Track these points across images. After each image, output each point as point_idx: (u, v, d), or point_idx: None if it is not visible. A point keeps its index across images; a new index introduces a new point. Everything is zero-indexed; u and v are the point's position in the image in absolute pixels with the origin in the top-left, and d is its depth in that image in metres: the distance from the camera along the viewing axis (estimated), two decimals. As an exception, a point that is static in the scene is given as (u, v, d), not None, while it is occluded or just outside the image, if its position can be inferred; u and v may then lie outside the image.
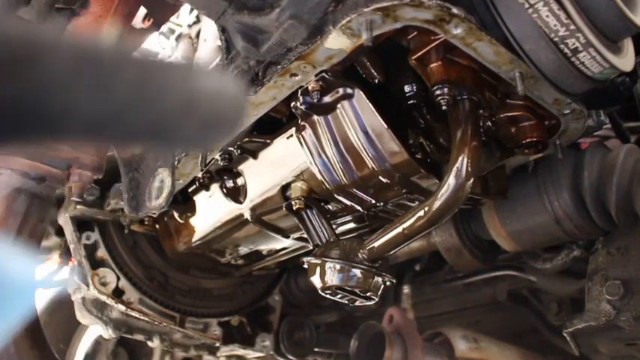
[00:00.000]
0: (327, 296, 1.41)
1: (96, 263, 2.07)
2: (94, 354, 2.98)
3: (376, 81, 1.30)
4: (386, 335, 2.04)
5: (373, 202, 1.46)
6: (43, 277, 2.67)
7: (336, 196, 1.46)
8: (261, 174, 1.60)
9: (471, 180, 1.19)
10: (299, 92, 1.25)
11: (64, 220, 2.08)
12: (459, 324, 2.22)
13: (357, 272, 1.32)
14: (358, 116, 1.29)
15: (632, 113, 1.77)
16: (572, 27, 1.06)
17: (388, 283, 1.37)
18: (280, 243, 1.88)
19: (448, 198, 1.20)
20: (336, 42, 1.08)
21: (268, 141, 1.51)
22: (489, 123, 1.34)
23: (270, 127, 1.48)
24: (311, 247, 1.52)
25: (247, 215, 1.70)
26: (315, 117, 1.35)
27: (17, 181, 1.40)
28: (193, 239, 2.00)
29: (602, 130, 1.60)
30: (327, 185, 1.42)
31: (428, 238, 1.98)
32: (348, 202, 1.48)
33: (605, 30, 1.10)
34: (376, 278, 1.34)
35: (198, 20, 3.22)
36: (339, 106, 1.31)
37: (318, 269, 1.37)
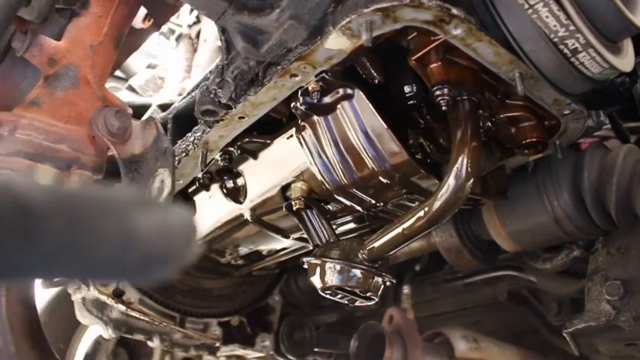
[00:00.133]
0: (327, 296, 1.41)
1: None
2: (94, 354, 2.98)
3: (376, 81, 1.30)
4: (386, 335, 2.04)
5: (373, 202, 1.46)
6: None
7: (336, 196, 1.46)
8: (261, 174, 1.60)
9: (471, 180, 1.19)
10: (299, 93, 1.25)
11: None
12: (459, 324, 2.22)
13: (357, 272, 1.32)
14: (358, 117, 1.29)
15: (632, 113, 1.77)
16: (571, 27, 1.06)
17: (388, 283, 1.37)
18: (280, 243, 1.88)
19: (448, 198, 1.20)
20: (336, 42, 1.08)
21: (268, 141, 1.51)
22: (489, 123, 1.34)
23: (270, 127, 1.48)
24: (311, 248, 1.52)
25: (247, 215, 1.70)
26: (315, 117, 1.35)
27: (17, 181, 1.39)
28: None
29: (602, 130, 1.60)
30: (327, 185, 1.42)
31: (428, 238, 1.98)
32: (348, 203, 1.48)
33: (605, 30, 1.10)
34: (376, 278, 1.34)
35: (198, 21, 3.22)
36: (339, 106, 1.31)
37: (318, 269, 1.37)
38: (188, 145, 1.47)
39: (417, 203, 1.36)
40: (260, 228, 1.74)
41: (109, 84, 2.78)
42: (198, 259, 2.17)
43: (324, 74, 1.20)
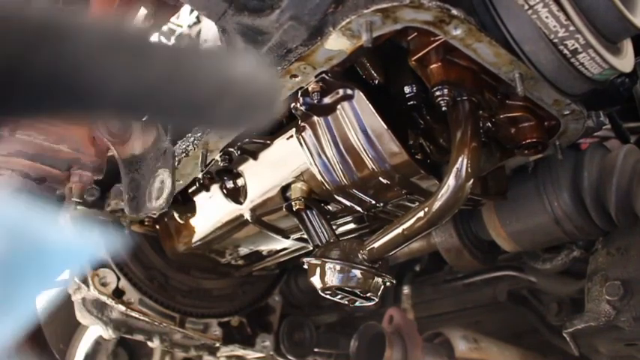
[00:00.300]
0: (327, 297, 1.41)
1: (96, 264, 2.06)
2: (94, 354, 2.98)
3: (376, 82, 1.30)
4: (386, 335, 2.04)
5: (373, 202, 1.46)
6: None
7: (336, 196, 1.46)
8: (261, 175, 1.60)
9: (471, 181, 1.19)
10: (299, 93, 1.25)
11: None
12: (459, 324, 2.22)
13: (357, 273, 1.32)
14: (358, 117, 1.29)
15: (632, 114, 1.77)
16: (571, 28, 1.06)
17: (388, 283, 1.37)
18: (280, 243, 1.88)
19: (448, 199, 1.20)
20: (336, 43, 1.08)
21: (268, 142, 1.51)
22: (489, 124, 1.34)
23: (270, 127, 1.49)
24: (311, 248, 1.52)
25: (247, 216, 1.70)
26: (315, 118, 1.35)
27: (18, 182, 1.40)
28: (193, 240, 2.00)
29: (602, 130, 1.60)
30: (327, 186, 1.42)
31: (428, 238, 1.98)
32: (348, 203, 1.48)
33: (605, 31, 1.10)
34: (376, 279, 1.34)
35: (198, 21, 3.22)
36: (339, 107, 1.31)
37: (318, 270, 1.37)
38: (188, 146, 1.47)
39: (417, 204, 1.36)
40: (260, 228, 1.74)
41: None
42: (199, 259, 2.17)
43: (324, 75, 1.20)
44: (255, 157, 1.56)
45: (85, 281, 2.02)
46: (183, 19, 3.29)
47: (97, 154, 1.44)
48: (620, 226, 1.57)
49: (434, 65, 1.19)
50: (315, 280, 1.38)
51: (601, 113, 1.41)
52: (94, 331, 2.89)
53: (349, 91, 1.28)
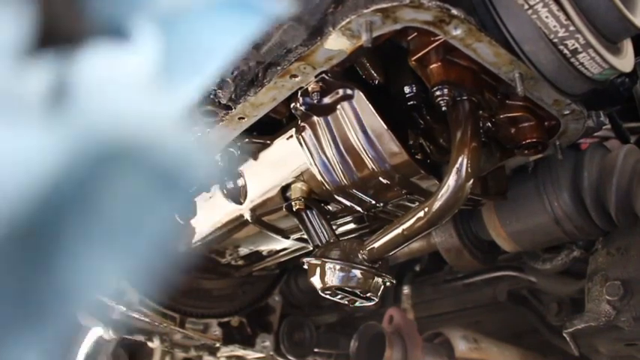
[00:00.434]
0: (327, 297, 1.41)
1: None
2: (95, 355, 2.98)
3: (376, 82, 1.30)
4: (386, 336, 2.04)
5: (373, 202, 1.46)
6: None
7: (336, 196, 1.46)
8: (261, 175, 1.60)
9: (471, 181, 1.19)
10: (299, 93, 1.25)
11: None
12: (459, 324, 2.22)
13: (357, 273, 1.32)
14: (358, 117, 1.29)
15: (632, 114, 1.77)
16: (571, 28, 1.06)
17: (388, 283, 1.37)
18: (280, 244, 1.88)
19: (448, 199, 1.20)
20: (336, 43, 1.08)
21: (268, 142, 1.51)
22: (489, 124, 1.34)
23: (270, 127, 1.49)
24: (311, 248, 1.52)
25: (247, 216, 1.70)
26: (315, 118, 1.35)
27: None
28: (193, 240, 2.00)
29: (602, 130, 1.60)
30: (327, 186, 1.42)
31: (428, 238, 1.98)
32: (348, 203, 1.48)
33: (605, 31, 1.10)
34: (376, 279, 1.34)
35: (198, 21, 3.22)
36: (339, 107, 1.31)
37: (318, 270, 1.37)
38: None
39: (416, 204, 1.36)
40: (260, 228, 1.74)
41: (109, 84, 2.78)
42: (199, 259, 2.17)
43: (324, 75, 1.20)
44: (255, 157, 1.56)
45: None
46: (183, 19, 3.30)
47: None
48: (620, 226, 1.57)
49: (434, 65, 1.19)
50: (315, 280, 1.38)
51: (601, 113, 1.41)
52: (94, 332, 2.89)
53: (349, 91, 1.28)
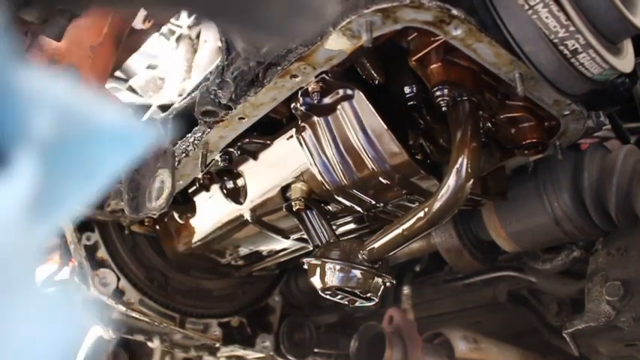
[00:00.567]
0: (327, 297, 1.41)
1: (96, 264, 2.06)
2: (95, 355, 2.98)
3: (376, 82, 1.30)
4: (386, 336, 2.04)
5: (373, 203, 1.46)
6: (44, 277, 2.67)
7: (336, 196, 1.46)
8: (261, 175, 1.60)
9: (471, 181, 1.19)
10: (299, 93, 1.25)
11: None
12: (459, 325, 2.22)
13: (357, 273, 1.32)
14: (358, 117, 1.29)
15: (632, 114, 1.77)
16: (571, 28, 1.06)
17: (388, 283, 1.37)
18: (280, 244, 1.88)
19: (448, 199, 1.20)
20: (337, 43, 1.08)
21: (268, 142, 1.51)
22: (489, 124, 1.34)
23: (270, 128, 1.49)
24: (311, 248, 1.52)
25: (247, 216, 1.70)
26: (315, 118, 1.35)
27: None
28: (193, 240, 2.00)
29: (602, 130, 1.60)
30: (327, 186, 1.42)
31: (428, 238, 1.98)
32: (348, 203, 1.48)
33: (605, 31, 1.10)
34: (376, 279, 1.34)
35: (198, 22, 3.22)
36: (339, 107, 1.31)
37: (318, 270, 1.37)
38: (188, 146, 1.47)
39: (416, 204, 1.36)
40: (260, 228, 1.74)
41: (109, 85, 2.78)
42: (199, 259, 2.17)
43: (324, 75, 1.20)
44: (255, 157, 1.56)
45: (85, 281, 2.02)
46: (183, 19, 3.29)
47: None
48: (621, 227, 1.57)
49: (434, 65, 1.19)
50: (315, 281, 1.38)
51: (601, 113, 1.41)
52: (94, 332, 2.89)
53: (349, 91, 1.28)
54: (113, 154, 0.42)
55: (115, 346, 2.95)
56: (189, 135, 1.47)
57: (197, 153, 1.46)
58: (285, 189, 1.55)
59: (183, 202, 1.92)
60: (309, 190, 1.49)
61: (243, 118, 1.32)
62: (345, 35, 1.06)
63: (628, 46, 1.25)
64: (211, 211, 1.84)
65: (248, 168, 1.62)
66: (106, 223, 2.13)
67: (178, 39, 3.24)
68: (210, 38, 2.91)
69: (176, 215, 1.97)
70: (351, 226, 1.70)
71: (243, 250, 2.06)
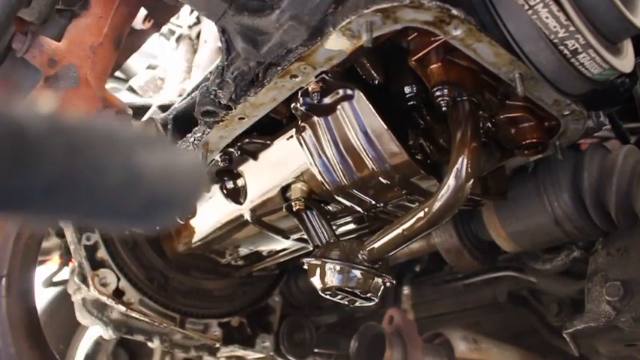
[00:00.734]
0: (327, 297, 1.41)
1: (96, 264, 2.07)
2: (94, 354, 2.98)
3: (376, 82, 1.30)
4: (386, 336, 2.04)
5: (373, 203, 1.46)
6: (44, 277, 2.68)
7: (336, 197, 1.46)
8: (261, 175, 1.60)
9: (471, 181, 1.19)
10: (299, 93, 1.25)
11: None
12: (459, 325, 2.22)
13: (357, 273, 1.32)
14: (358, 117, 1.29)
15: (632, 114, 1.77)
16: (571, 28, 1.06)
17: (388, 284, 1.37)
18: (280, 244, 1.88)
19: (448, 199, 1.20)
20: (336, 43, 1.08)
21: (268, 142, 1.51)
22: (489, 124, 1.34)
23: (270, 128, 1.49)
24: (311, 248, 1.52)
25: (247, 216, 1.70)
26: (315, 118, 1.35)
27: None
28: (193, 240, 2.00)
29: (602, 130, 1.60)
30: (327, 186, 1.42)
31: (428, 239, 1.98)
32: (348, 203, 1.48)
33: (605, 31, 1.10)
34: (376, 279, 1.34)
35: (198, 21, 3.22)
36: (339, 107, 1.31)
37: (318, 270, 1.37)
38: (188, 146, 1.47)
39: (417, 204, 1.36)
40: (260, 229, 1.74)
41: (109, 85, 2.78)
42: (199, 259, 2.17)
43: (324, 75, 1.20)
44: (255, 157, 1.56)
45: (85, 281, 2.02)
46: (183, 19, 3.30)
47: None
48: (620, 227, 1.57)
49: (434, 65, 1.19)
50: (315, 281, 1.38)
51: (601, 113, 1.41)
52: (94, 332, 2.90)
53: (349, 92, 1.28)
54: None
55: (115, 346, 2.95)
56: (189, 135, 1.47)
57: (197, 153, 1.46)
58: (285, 189, 1.55)
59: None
60: (309, 190, 1.49)
61: (243, 118, 1.32)
62: (345, 35, 1.06)
63: (628, 46, 1.25)
64: (211, 212, 1.84)
65: (248, 168, 1.62)
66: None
67: (178, 39, 3.24)
68: (210, 38, 2.92)
69: (176, 215, 1.97)
70: (351, 226, 1.70)
71: (243, 251, 2.06)
